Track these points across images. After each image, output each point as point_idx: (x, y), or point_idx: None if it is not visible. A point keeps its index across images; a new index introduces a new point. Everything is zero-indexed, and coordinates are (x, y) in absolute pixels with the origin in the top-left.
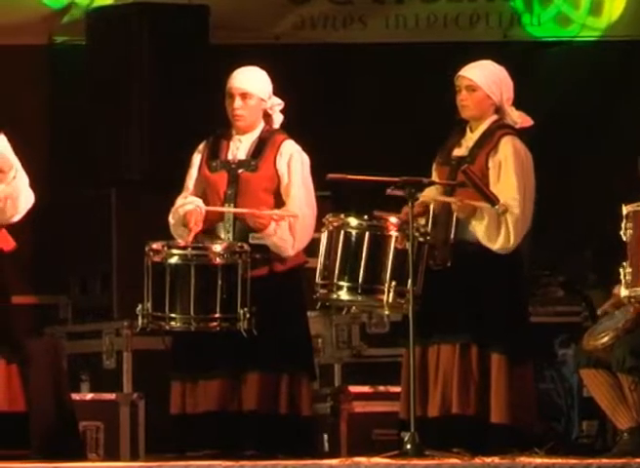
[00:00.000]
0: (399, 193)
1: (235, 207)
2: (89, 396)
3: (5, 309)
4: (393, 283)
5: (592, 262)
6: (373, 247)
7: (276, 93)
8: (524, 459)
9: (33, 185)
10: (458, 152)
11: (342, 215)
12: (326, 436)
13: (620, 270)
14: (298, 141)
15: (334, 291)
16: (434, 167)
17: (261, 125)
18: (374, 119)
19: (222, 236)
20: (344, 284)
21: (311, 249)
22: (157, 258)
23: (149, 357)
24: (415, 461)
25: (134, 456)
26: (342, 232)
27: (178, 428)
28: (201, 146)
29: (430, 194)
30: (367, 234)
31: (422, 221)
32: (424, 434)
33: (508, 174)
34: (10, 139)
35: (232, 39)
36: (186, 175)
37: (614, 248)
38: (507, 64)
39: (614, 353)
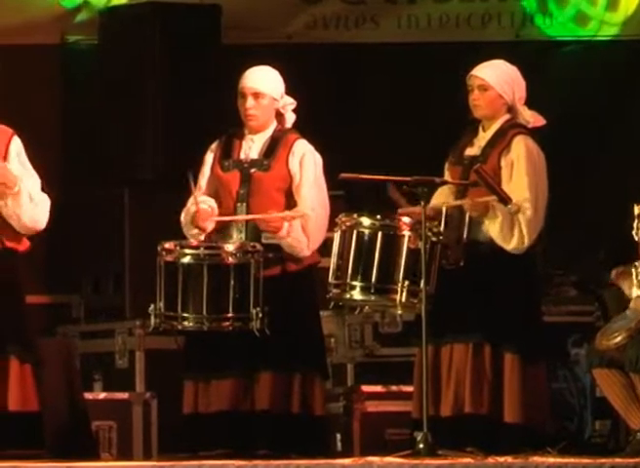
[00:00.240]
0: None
1: (248, 206)
2: (101, 395)
3: (19, 309)
4: (406, 282)
5: (605, 262)
6: (385, 246)
7: (288, 92)
8: (537, 459)
9: (46, 185)
10: (470, 152)
11: (355, 215)
12: (339, 435)
13: (632, 270)
14: (310, 141)
15: (347, 290)
16: (446, 166)
17: (274, 124)
18: (386, 119)
19: (235, 236)
20: (357, 283)
21: (324, 248)
22: (170, 258)
23: (162, 356)
24: (427, 461)
25: (146, 456)
26: (355, 232)
27: (190, 428)
28: (213, 146)
29: (443, 193)
30: (380, 234)
31: (435, 221)
32: (437, 433)
33: (521, 173)
34: (22, 139)
35: (244, 39)
36: (199, 175)
37: (627, 247)
38: (520, 64)
39: (626, 353)
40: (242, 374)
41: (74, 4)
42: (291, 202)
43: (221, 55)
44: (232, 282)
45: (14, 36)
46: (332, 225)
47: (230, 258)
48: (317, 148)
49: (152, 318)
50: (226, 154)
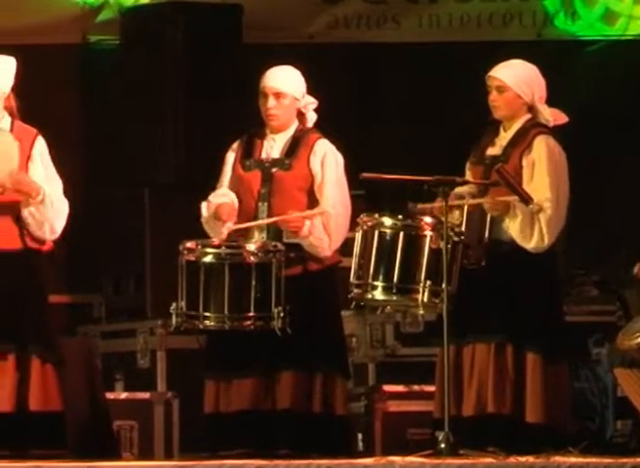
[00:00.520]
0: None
1: (269, 206)
2: (123, 395)
3: (40, 308)
4: (428, 282)
5: (627, 261)
6: (407, 246)
7: (310, 92)
8: (558, 458)
9: (67, 186)
10: (491, 151)
11: (377, 215)
12: (360, 435)
13: None
14: (331, 140)
15: (368, 290)
16: (468, 166)
17: (295, 124)
18: (407, 118)
19: (257, 235)
20: (379, 283)
21: (345, 248)
22: (191, 257)
23: (183, 356)
24: (449, 460)
25: (168, 455)
26: (377, 232)
27: (211, 427)
28: (235, 145)
29: (463, 193)
30: (401, 234)
31: (456, 219)
32: (459, 433)
33: (542, 173)
34: (44, 140)
35: (266, 38)
36: (220, 174)
37: None
38: (541, 64)
39: None
40: (263, 374)
41: (96, 4)
42: (312, 201)
43: (243, 54)
44: (254, 281)
45: (35, 36)
46: (353, 225)
47: (252, 258)
48: (338, 148)
49: (174, 317)
50: (248, 154)
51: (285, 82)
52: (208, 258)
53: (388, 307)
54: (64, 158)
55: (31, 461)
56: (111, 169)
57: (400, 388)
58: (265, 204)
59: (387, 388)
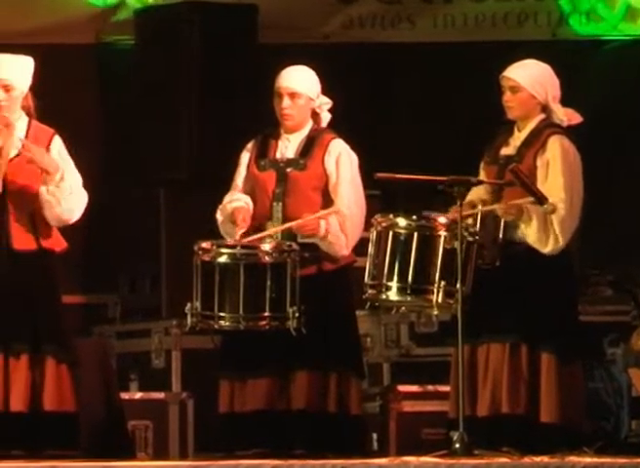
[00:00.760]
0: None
1: (284, 206)
2: (138, 395)
3: (55, 309)
4: (442, 283)
5: None
6: (422, 247)
7: (324, 92)
8: (573, 458)
9: (83, 185)
10: (505, 151)
11: (391, 216)
12: (375, 435)
13: None
14: (345, 140)
15: (383, 291)
16: (482, 166)
17: (310, 124)
18: (421, 118)
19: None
20: (394, 284)
21: (360, 248)
22: (206, 257)
23: (198, 356)
24: (463, 460)
25: (183, 455)
26: (391, 232)
27: (226, 427)
28: (250, 145)
29: (478, 193)
30: (416, 234)
31: (471, 221)
32: (473, 433)
33: (556, 173)
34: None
35: (281, 38)
36: (235, 174)
37: None
38: (556, 63)
39: None
40: (278, 374)
41: (110, 4)
42: (327, 201)
43: (258, 54)
44: (269, 281)
45: (50, 35)
46: (368, 225)
47: (267, 258)
48: (352, 147)
49: (189, 317)
50: (262, 153)
51: (300, 82)
52: (223, 259)
53: (403, 307)
54: (80, 157)
55: (46, 461)
56: (127, 168)
57: (415, 388)
58: (280, 204)
59: (402, 388)
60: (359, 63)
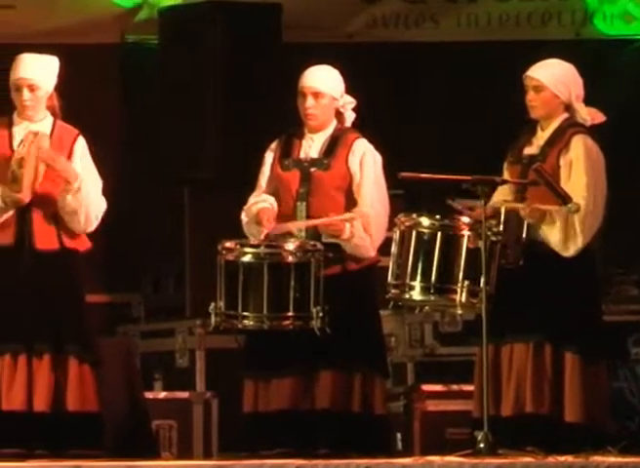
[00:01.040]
0: (458, 207)
1: (307, 205)
2: (162, 395)
3: (78, 308)
4: (466, 282)
5: None
6: (445, 247)
7: (348, 91)
8: (597, 458)
9: (107, 185)
10: (529, 151)
11: (414, 215)
12: (399, 435)
13: None
14: (369, 140)
15: (406, 291)
16: (505, 166)
17: (334, 123)
18: (445, 118)
19: (295, 234)
20: (417, 284)
21: (385, 248)
22: (230, 257)
23: (222, 355)
24: (488, 460)
25: (207, 455)
26: (415, 232)
27: (250, 427)
28: (273, 145)
29: (502, 192)
30: (439, 234)
31: (494, 221)
32: (497, 433)
33: (579, 172)
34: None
35: (305, 38)
36: (259, 174)
37: None
38: (580, 63)
39: None
40: (302, 373)
41: (134, 3)
42: (350, 201)
43: (282, 54)
44: (292, 281)
45: (74, 35)
46: (391, 225)
47: (291, 257)
48: (376, 147)
49: (213, 317)
50: (286, 153)
51: (324, 82)
52: (247, 258)
53: (426, 307)
54: (104, 157)
55: (70, 460)
56: (151, 167)
57: (439, 387)
58: (304, 203)
59: (426, 388)
60: (383, 63)
